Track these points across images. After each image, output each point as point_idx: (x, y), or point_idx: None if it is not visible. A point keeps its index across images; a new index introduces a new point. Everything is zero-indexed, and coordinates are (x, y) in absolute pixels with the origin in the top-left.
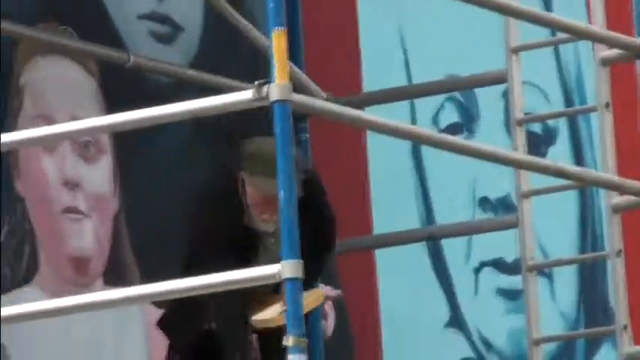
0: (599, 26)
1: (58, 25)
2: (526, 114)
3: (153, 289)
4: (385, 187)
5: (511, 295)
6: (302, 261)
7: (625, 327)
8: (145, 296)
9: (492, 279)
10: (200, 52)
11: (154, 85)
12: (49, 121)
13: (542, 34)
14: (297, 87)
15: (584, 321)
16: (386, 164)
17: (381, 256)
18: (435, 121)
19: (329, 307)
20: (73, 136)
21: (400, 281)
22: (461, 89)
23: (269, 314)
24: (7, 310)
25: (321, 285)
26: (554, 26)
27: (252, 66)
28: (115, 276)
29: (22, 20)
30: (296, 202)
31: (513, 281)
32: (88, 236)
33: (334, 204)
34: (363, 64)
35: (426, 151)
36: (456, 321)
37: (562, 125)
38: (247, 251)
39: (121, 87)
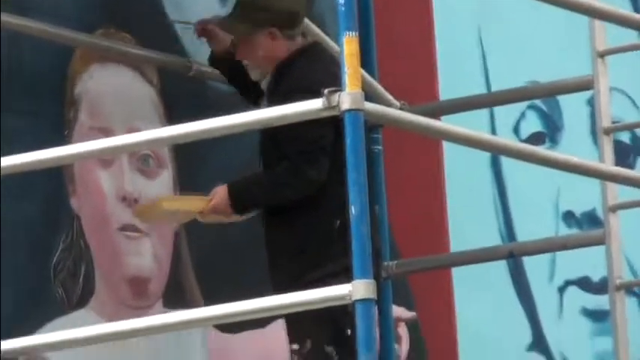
0: None
1: (116, 32)
2: (613, 122)
3: (215, 311)
4: (463, 201)
5: (597, 316)
6: (374, 281)
7: None
8: (208, 319)
9: (577, 299)
10: None
11: (215, 93)
12: (106, 133)
13: (630, 36)
14: (370, 95)
15: None
16: (463, 176)
17: (458, 273)
18: (515, 130)
19: (402, 330)
20: (132, 149)
21: (479, 301)
22: (543, 96)
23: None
24: (62, 335)
25: (394, 306)
26: None
27: None
28: (175, 298)
29: (79, 27)
30: (368, 219)
31: (600, 301)
32: (147, 256)
33: (409, 218)
34: (439, 71)
35: (506, 162)
36: (539, 344)
37: None
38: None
39: (182, 96)
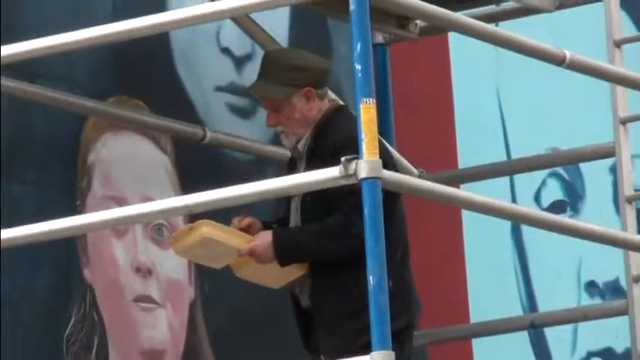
0: None
1: (128, 99)
2: (636, 190)
3: None
4: (483, 270)
5: None
6: (394, 352)
7: None
8: None
9: None
10: None
11: (232, 161)
12: (120, 202)
13: None
14: (388, 163)
15: None
16: (484, 245)
17: (480, 345)
18: (536, 198)
19: None
20: (146, 219)
21: None
22: (565, 164)
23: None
24: None
25: None
26: None
27: None
28: None
29: (92, 95)
30: (387, 289)
31: None
32: (162, 327)
33: (426, 290)
34: (459, 137)
35: (528, 231)
36: None
37: None
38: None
39: (197, 164)
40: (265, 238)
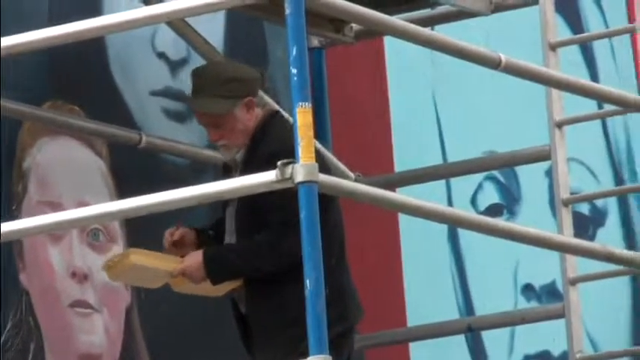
0: None
1: (64, 104)
2: (572, 193)
3: None
4: (420, 274)
5: None
6: (330, 357)
7: None
8: None
9: None
10: None
11: (169, 166)
12: (56, 207)
13: (588, 106)
14: (324, 167)
15: None
16: (420, 249)
17: (417, 349)
18: (473, 202)
19: None
20: (82, 224)
21: None
22: (501, 167)
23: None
24: None
25: None
26: (601, 98)
27: None
28: None
29: (27, 99)
30: (324, 293)
31: None
32: (99, 332)
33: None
34: (395, 141)
35: (464, 234)
36: None
37: (611, 205)
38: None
39: (133, 169)
40: (195, 258)
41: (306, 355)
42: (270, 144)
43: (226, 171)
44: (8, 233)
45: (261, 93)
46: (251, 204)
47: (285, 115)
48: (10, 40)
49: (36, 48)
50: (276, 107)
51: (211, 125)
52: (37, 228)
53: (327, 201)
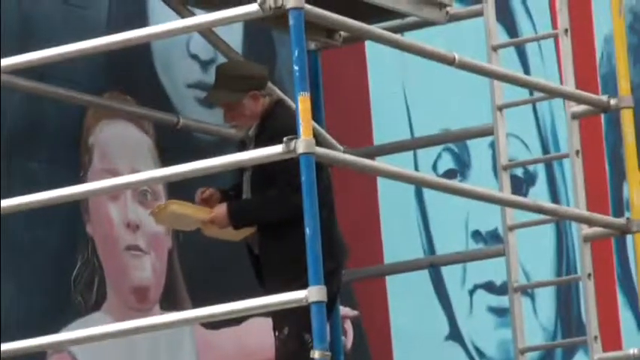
0: (570, 86)
1: (119, 94)
2: (510, 161)
3: (201, 312)
4: (393, 224)
5: (500, 312)
6: (325, 287)
7: (595, 337)
8: (195, 319)
9: (484, 299)
10: None
11: (200, 142)
12: (114, 173)
13: (522, 93)
14: (319, 141)
15: (562, 333)
16: (394, 204)
17: (392, 281)
18: (434, 167)
19: (348, 326)
20: (133, 186)
21: (408, 303)
22: (455, 141)
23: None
24: (81, 333)
25: (341, 306)
26: (532, 86)
27: None
28: (169, 302)
29: (92, 90)
30: (320, 238)
31: (502, 301)
32: (148, 270)
33: (351, 239)
34: (373, 121)
35: (427, 192)
36: (455, 335)
37: (540, 170)
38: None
39: (172, 144)
40: (222, 209)
41: (307, 285)
42: (276, 124)
43: (242, 145)
44: (78, 194)
45: (270, 85)
46: (262, 170)
47: (289, 101)
48: (66, 48)
49: (95, 52)
50: (282, 95)
51: (226, 111)
52: (99, 190)
53: (319, 169)
